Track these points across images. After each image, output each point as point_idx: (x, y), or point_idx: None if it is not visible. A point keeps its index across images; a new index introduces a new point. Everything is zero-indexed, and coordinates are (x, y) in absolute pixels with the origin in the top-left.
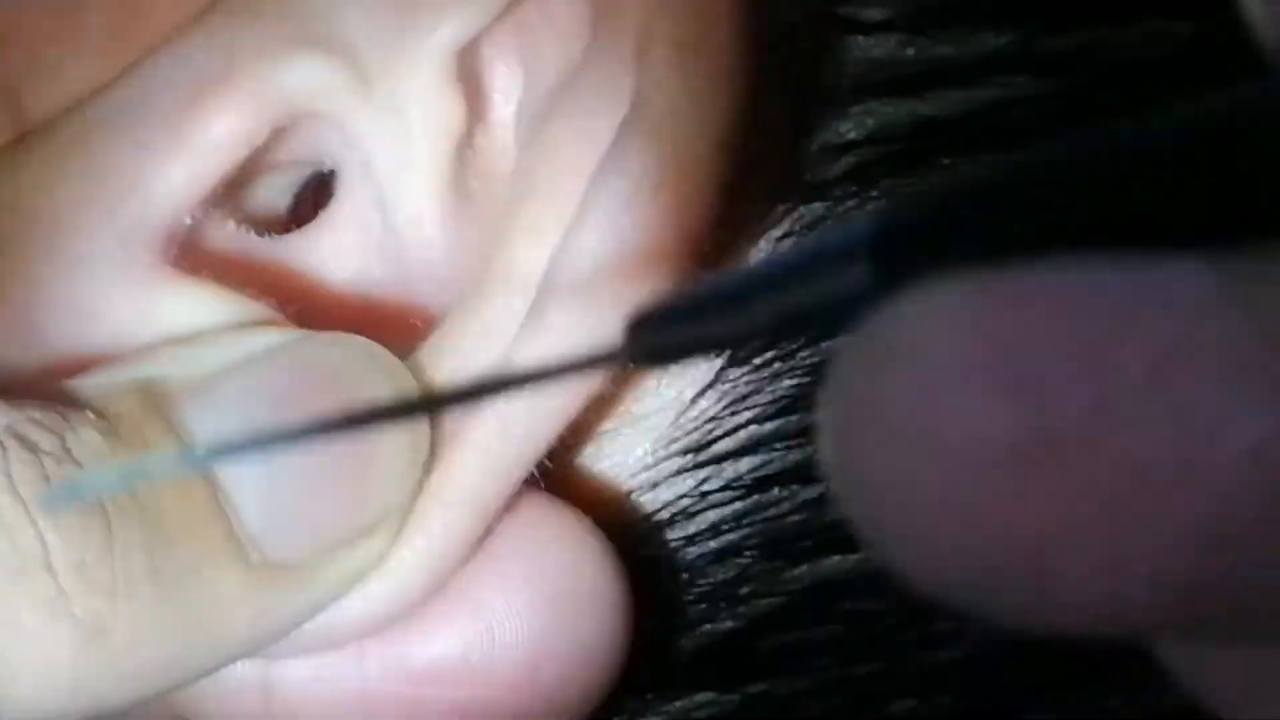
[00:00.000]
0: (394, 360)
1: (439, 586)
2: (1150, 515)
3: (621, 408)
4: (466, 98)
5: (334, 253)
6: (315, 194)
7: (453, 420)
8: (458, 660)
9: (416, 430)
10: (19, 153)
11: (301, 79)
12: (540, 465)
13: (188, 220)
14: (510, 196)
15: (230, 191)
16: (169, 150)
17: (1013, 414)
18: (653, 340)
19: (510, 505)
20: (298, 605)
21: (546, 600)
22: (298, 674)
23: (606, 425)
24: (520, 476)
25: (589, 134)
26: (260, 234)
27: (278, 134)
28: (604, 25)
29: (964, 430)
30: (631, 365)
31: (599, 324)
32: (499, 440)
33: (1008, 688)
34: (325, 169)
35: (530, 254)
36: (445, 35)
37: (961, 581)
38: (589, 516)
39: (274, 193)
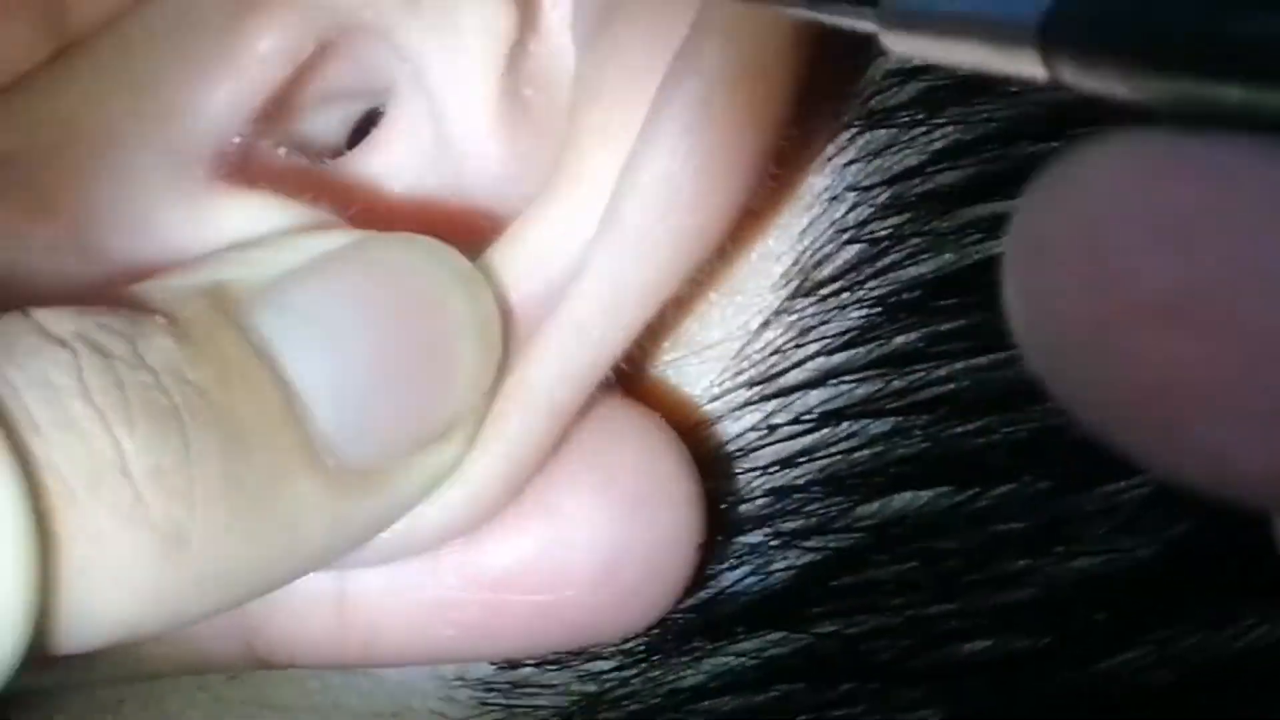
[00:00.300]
0: (462, 259)
1: (516, 492)
2: None
3: (689, 336)
4: (517, 2)
5: (388, 167)
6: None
7: (526, 323)
8: (535, 565)
9: (489, 332)
10: (64, 65)
11: None
12: (615, 372)
13: (236, 139)
14: (573, 99)
15: (283, 120)
16: (214, 66)
17: (1170, 267)
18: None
19: (585, 410)
20: (373, 511)
21: (622, 501)
22: (372, 585)
23: (675, 354)
24: (595, 380)
25: (657, 32)
26: (314, 160)
27: (324, 49)
28: None
29: (1124, 276)
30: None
31: (678, 223)
32: (575, 342)
33: (1082, 628)
34: (378, 102)
35: (601, 155)
36: None
37: (1113, 424)
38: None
39: (328, 126)
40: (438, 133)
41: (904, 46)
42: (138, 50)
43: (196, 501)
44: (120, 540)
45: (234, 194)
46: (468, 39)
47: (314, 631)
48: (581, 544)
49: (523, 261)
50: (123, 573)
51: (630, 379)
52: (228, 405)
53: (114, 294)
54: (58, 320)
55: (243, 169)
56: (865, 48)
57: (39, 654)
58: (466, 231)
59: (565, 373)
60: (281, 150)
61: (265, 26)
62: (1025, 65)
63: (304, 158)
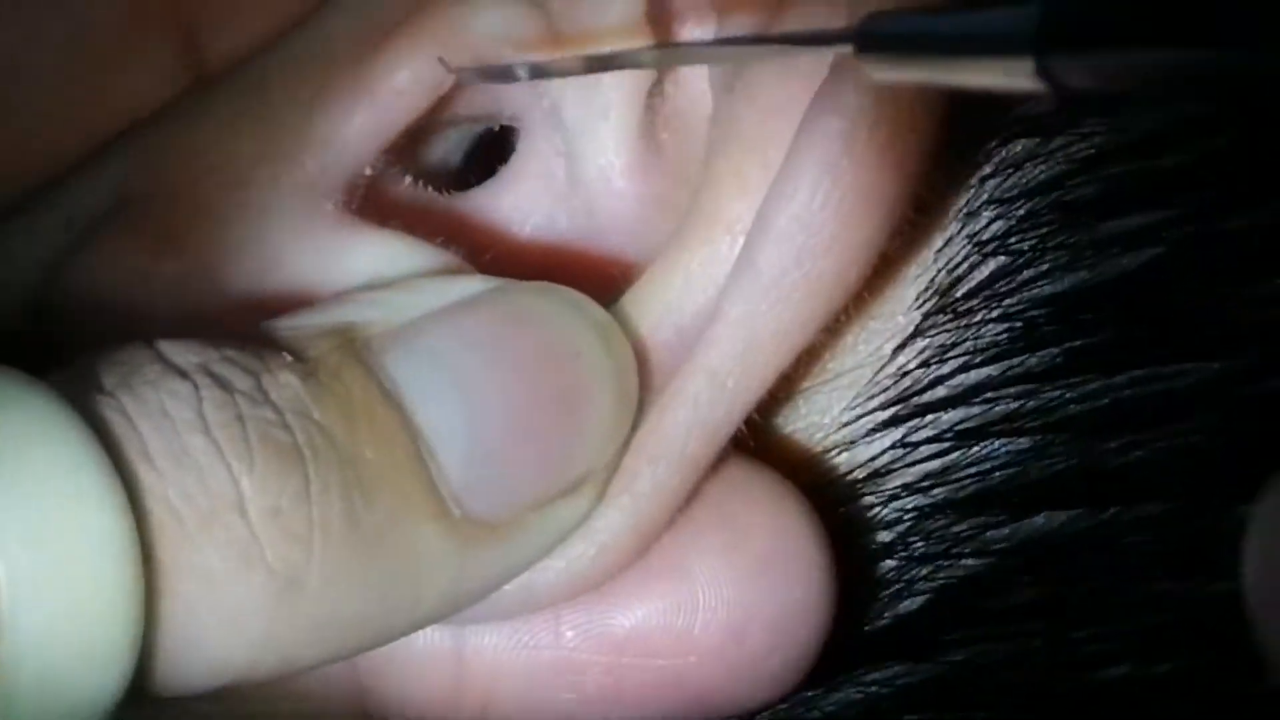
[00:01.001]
0: (600, 310)
1: (644, 549)
2: None
3: (820, 365)
4: (658, 44)
5: (518, 205)
6: (487, 150)
7: (658, 372)
8: (659, 628)
9: (626, 384)
10: (199, 101)
11: (490, 24)
12: (746, 423)
13: (368, 171)
14: (709, 142)
15: (408, 145)
16: (352, 98)
17: None
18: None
19: (715, 465)
20: (498, 565)
21: (752, 565)
22: (492, 641)
23: (805, 383)
24: (729, 431)
25: (795, 74)
26: (438, 189)
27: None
28: None
29: None
30: (856, 50)
31: (814, 268)
32: (709, 394)
33: (1225, 652)
34: (498, 125)
35: (736, 198)
36: None
37: None
38: (788, 477)
39: (447, 148)
40: (571, 172)
41: (885, 72)
42: (273, 84)
43: (315, 545)
44: (231, 581)
45: (364, 232)
46: (606, 77)
47: (430, 688)
48: (708, 608)
49: (655, 308)
50: (232, 615)
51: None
52: (352, 447)
53: (240, 330)
54: (181, 351)
55: (373, 202)
56: None
57: (138, 694)
58: (596, 276)
59: (698, 423)
60: (408, 179)
61: (405, 59)
62: (1018, 76)
63: (429, 186)
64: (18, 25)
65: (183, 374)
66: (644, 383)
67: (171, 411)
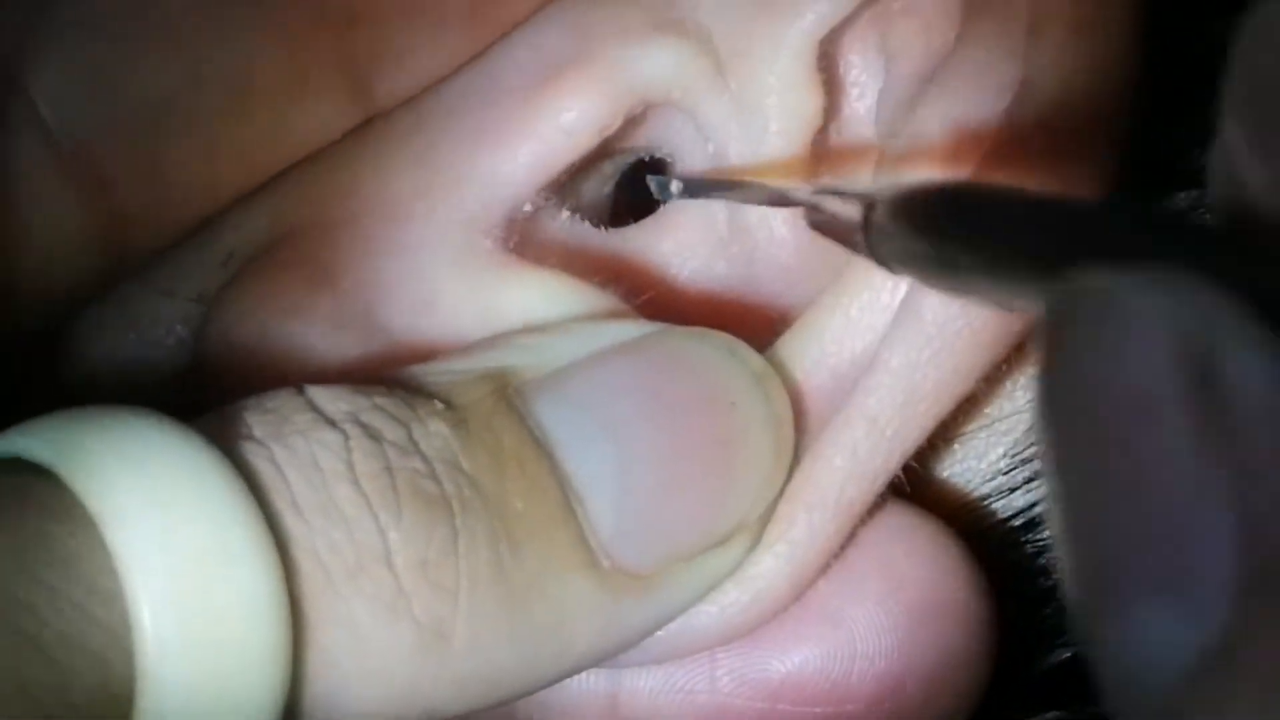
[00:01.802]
0: (757, 357)
1: (799, 595)
2: None
3: (978, 410)
4: (824, 89)
5: (678, 249)
6: (634, 179)
7: (813, 418)
8: (816, 675)
9: (783, 434)
10: (362, 138)
11: (659, 65)
12: (904, 471)
13: (528, 207)
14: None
15: (567, 179)
16: (517, 135)
17: None
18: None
19: (871, 510)
20: (647, 616)
21: (910, 613)
22: (646, 685)
23: (963, 429)
24: (886, 478)
25: (964, 122)
26: (592, 222)
27: (629, 122)
28: (986, 9)
29: None
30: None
31: (979, 319)
32: (867, 441)
33: None
34: (651, 155)
35: None
36: (808, 22)
37: None
38: (946, 523)
39: (602, 179)
40: (733, 217)
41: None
42: (436, 122)
43: (461, 596)
44: (377, 632)
45: (520, 271)
46: (773, 122)
47: None
48: (865, 656)
49: (812, 352)
50: (377, 666)
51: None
52: (501, 496)
53: (392, 373)
54: (332, 399)
55: (530, 238)
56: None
57: None
58: (753, 322)
59: (856, 470)
60: (565, 213)
61: (572, 98)
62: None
63: (585, 220)
64: (181, 65)
65: (333, 423)
66: (799, 428)
67: (321, 462)
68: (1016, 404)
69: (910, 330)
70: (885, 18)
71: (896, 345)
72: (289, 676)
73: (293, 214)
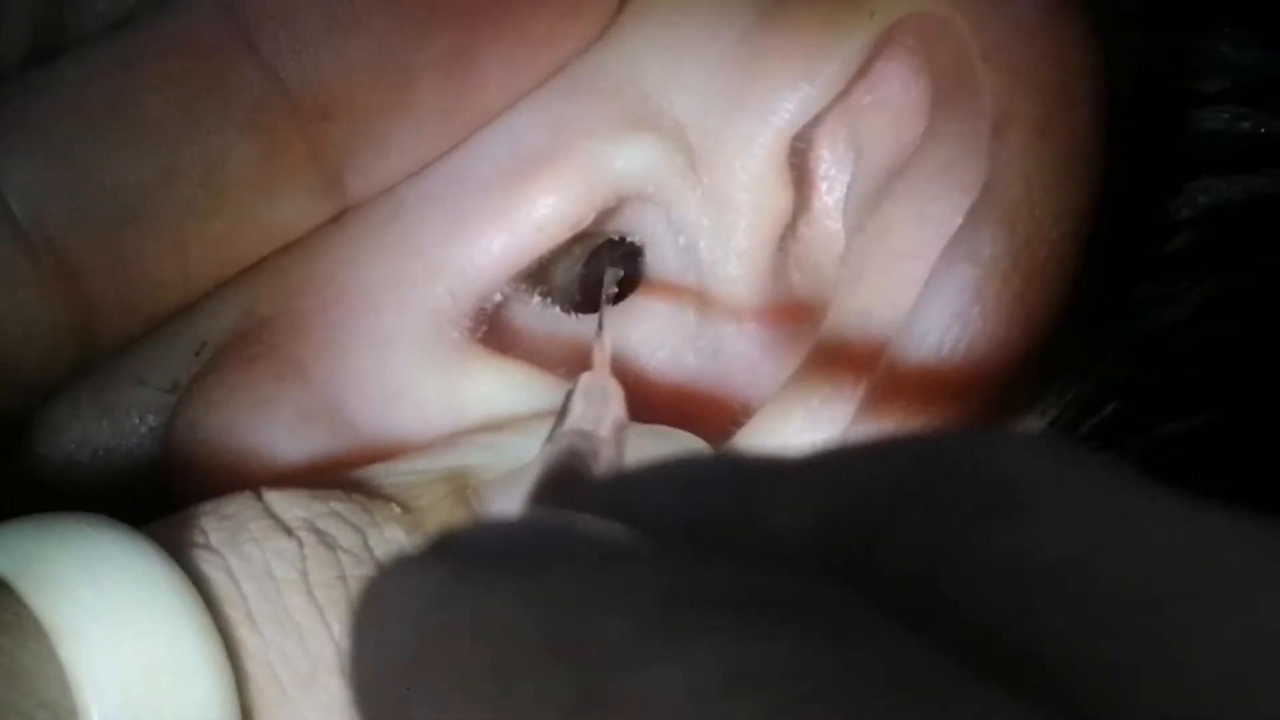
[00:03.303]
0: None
1: None
2: None
3: None
4: (794, 184)
5: (647, 336)
6: (602, 258)
7: None
8: None
9: None
10: (335, 230)
11: (633, 161)
12: None
13: (498, 296)
14: (837, 281)
15: (539, 272)
16: (490, 227)
17: None
18: None
19: None
20: None
21: None
22: None
23: None
24: None
25: (930, 218)
26: (562, 307)
27: (601, 215)
28: (952, 102)
29: None
30: None
31: (939, 417)
32: None
33: None
34: (620, 237)
35: (861, 339)
36: (780, 119)
37: None
38: None
39: (569, 259)
40: (701, 311)
41: None
42: (410, 213)
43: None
44: None
45: (486, 362)
46: (742, 217)
47: None
48: None
49: (773, 446)
50: None
51: None
52: None
53: (352, 474)
54: (288, 506)
55: (498, 327)
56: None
57: None
58: (717, 413)
59: None
60: (535, 299)
61: (546, 193)
62: None
63: (555, 303)
64: (154, 159)
65: (289, 531)
66: None
67: (276, 572)
68: None
69: (869, 425)
70: (855, 111)
71: (856, 439)
72: None
73: (265, 304)
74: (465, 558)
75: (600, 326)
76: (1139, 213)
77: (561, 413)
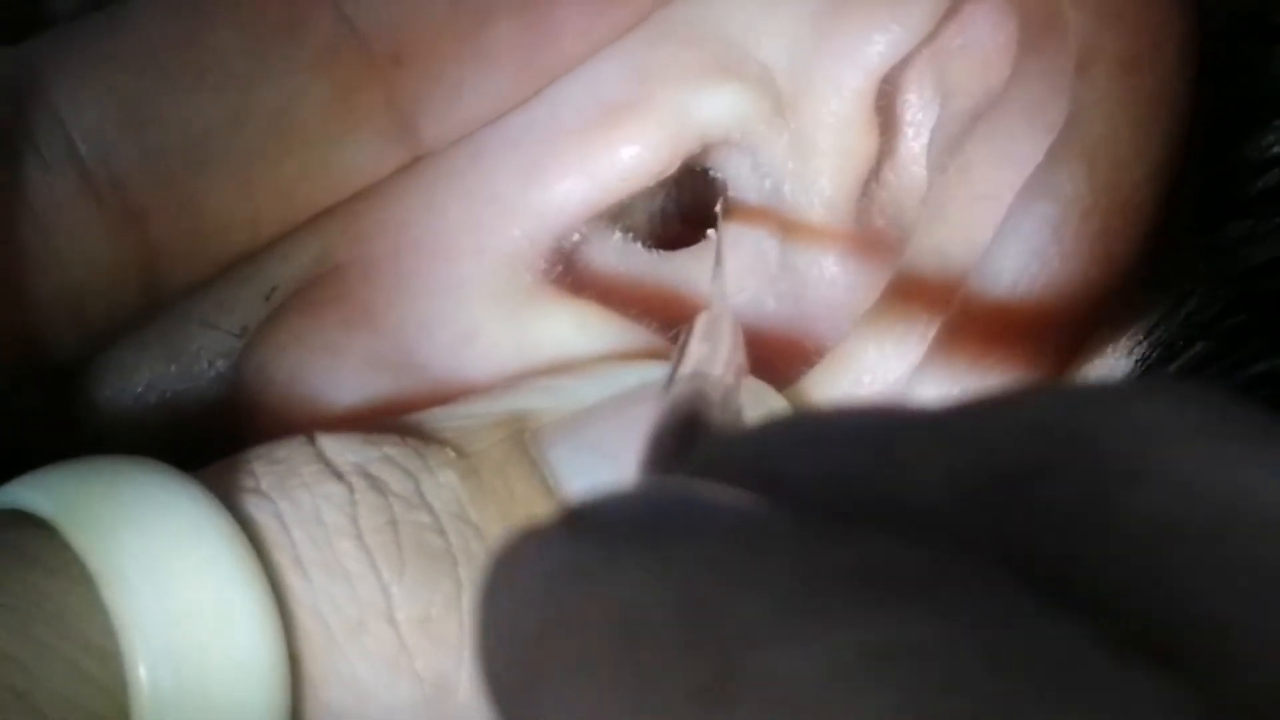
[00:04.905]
0: (779, 399)
1: None
2: None
3: None
4: (880, 129)
5: (729, 279)
6: (694, 195)
7: None
8: None
9: None
10: (412, 175)
11: (718, 108)
12: None
13: (576, 236)
14: (917, 220)
15: (620, 211)
16: (571, 173)
17: None
18: None
19: None
20: None
21: None
22: None
23: None
24: None
25: (1012, 158)
26: (644, 243)
27: (686, 160)
28: (1039, 43)
29: None
30: None
31: (1010, 354)
32: None
33: None
34: (705, 168)
35: (937, 278)
36: (869, 61)
37: None
38: None
39: (650, 193)
40: (782, 251)
41: None
42: (489, 158)
43: (465, 651)
44: (379, 689)
45: (560, 304)
46: (827, 161)
47: None
48: None
49: (843, 385)
50: None
51: None
52: None
53: (410, 418)
54: (340, 450)
55: (574, 266)
56: (1222, 136)
57: None
58: (797, 359)
59: None
60: (616, 235)
61: (631, 138)
62: None
63: (636, 239)
64: (222, 101)
65: (339, 476)
66: None
67: (326, 517)
68: None
69: (941, 360)
70: (943, 53)
71: (927, 379)
72: None
73: (338, 250)
74: (596, 529)
75: (718, 261)
76: (1227, 150)
77: (679, 356)
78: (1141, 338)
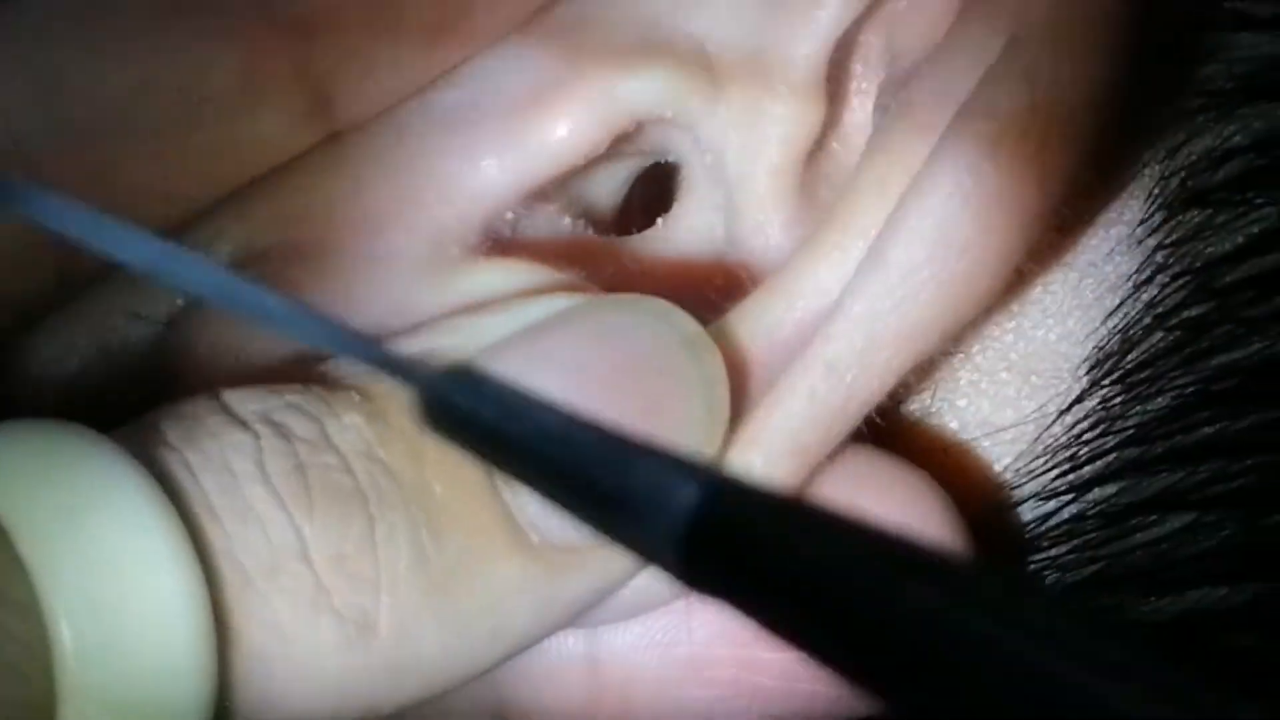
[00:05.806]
0: (689, 320)
1: None
2: None
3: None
4: (826, 99)
5: (671, 257)
6: (646, 181)
7: (775, 370)
8: None
9: (715, 396)
10: (332, 154)
11: (649, 87)
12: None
13: (509, 215)
14: (858, 164)
15: (558, 193)
16: (500, 153)
17: None
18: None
19: (840, 458)
20: (581, 589)
21: None
22: (624, 641)
23: (963, 434)
24: (845, 426)
25: (953, 92)
26: (597, 229)
27: (619, 139)
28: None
29: None
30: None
31: (945, 268)
32: (824, 383)
33: None
34: (666, 159)
35: (875, 206)
36: (819, 27)
37: None
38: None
39: (608, 181)
40: (727, 226)
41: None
42: (417, 137)
43: (383, 587)
44: (301, 630)
45: (489, 261)
46: (771, 132)
47: (568, 694)
48: None
49: (778, 308)
50: (305, 663)
51: (925, 456)
52: (420, 483)
53: (316, 370)
54: (243, 401)
55: (510, 248)
56: (1179, 116)
57: None
58: (730, 289)
59: (813, 415)
60: (566, 219)
61: (559, 118)
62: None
63: (581, 221)
64: (131, 71)
65: (244, 424)
66: (759, 380)
67: (233, 464)
68: (1022, 411)
69: (874, 278)
70: (892, 16)
71: (859, 293)
72: (215, 682)
73: (265, 234)
74: None
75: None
76: (1189, 137)
77: None
78: (1099, 324)
